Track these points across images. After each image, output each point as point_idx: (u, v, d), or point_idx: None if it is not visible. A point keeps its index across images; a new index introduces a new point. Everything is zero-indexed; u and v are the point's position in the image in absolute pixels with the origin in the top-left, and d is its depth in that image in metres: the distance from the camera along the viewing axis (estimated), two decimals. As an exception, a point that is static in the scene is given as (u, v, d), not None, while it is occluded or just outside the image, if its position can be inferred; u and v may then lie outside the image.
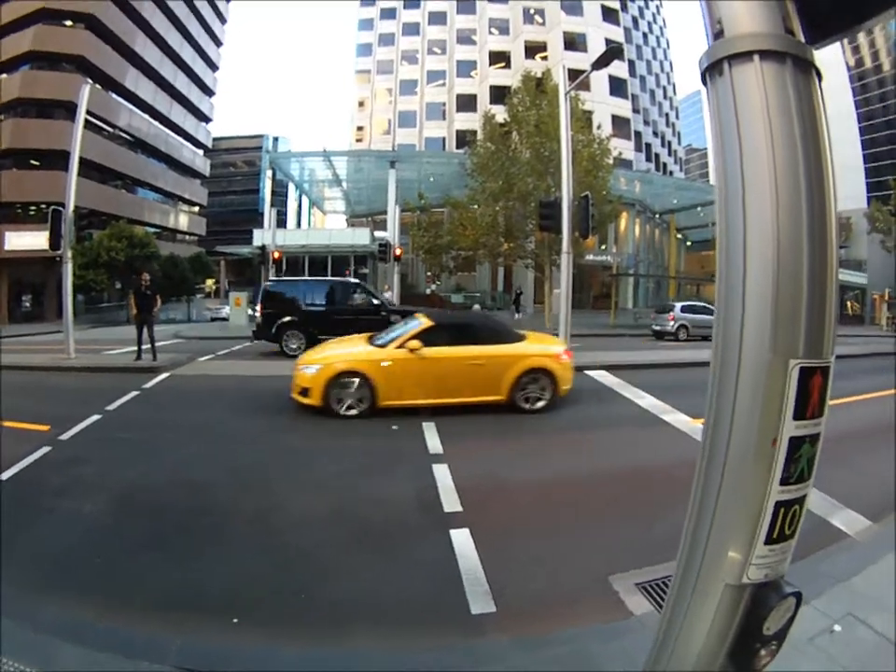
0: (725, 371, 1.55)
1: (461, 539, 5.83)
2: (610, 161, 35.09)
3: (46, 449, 9.01)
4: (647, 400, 12.39)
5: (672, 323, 30.69)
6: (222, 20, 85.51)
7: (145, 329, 17.66)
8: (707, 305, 30.65)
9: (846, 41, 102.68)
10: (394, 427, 10.36)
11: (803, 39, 1.55)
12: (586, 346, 21.23)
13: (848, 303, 66.97)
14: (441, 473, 7.79)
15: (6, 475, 7.79)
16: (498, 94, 53.94)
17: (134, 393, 13.41)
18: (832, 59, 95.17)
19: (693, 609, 1.64)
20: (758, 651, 1.61)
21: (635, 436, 10.19)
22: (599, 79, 60.45)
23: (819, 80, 1.55)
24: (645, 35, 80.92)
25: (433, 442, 9.30)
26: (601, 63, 18.36)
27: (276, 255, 36.55)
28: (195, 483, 7.81)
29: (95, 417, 10.99)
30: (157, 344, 18.06)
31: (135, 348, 17.77)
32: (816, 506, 7.26)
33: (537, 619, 4.66)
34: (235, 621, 4.55)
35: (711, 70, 1.58)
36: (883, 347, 31.92)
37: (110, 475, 8.09)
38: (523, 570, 5.37)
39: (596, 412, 12.12)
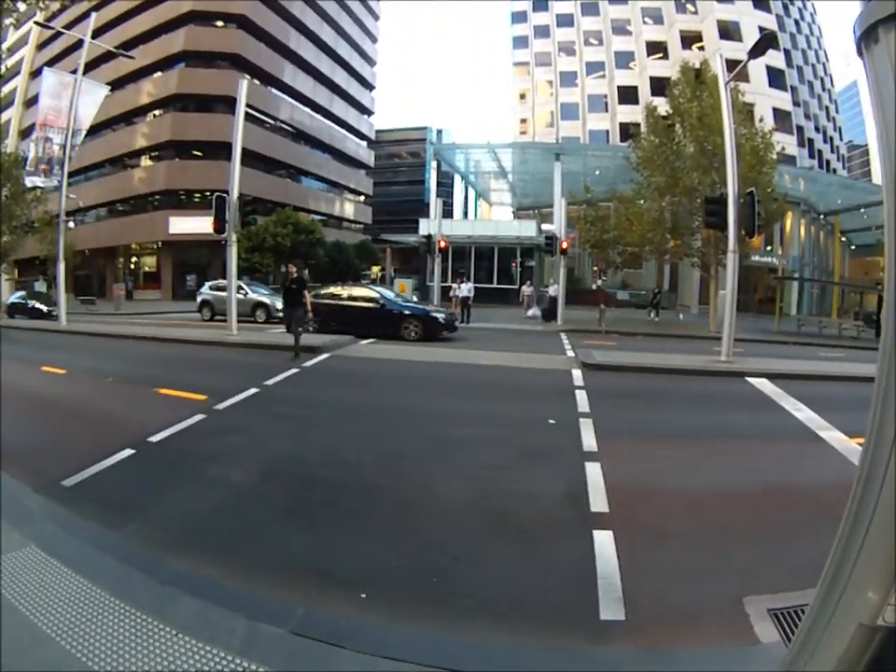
0: (892, 385, 1.40)
1: (603, 540, 5.70)
2: (774, 157, 33.10)
3: (200, 417, 9.68)
4: (804, 413, 11.70)
5: None
6: (375, 16, 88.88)
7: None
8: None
9: None
10: (551, 422, 10.33)
11: None
12: (748, 352, 20.83)
13: None
14: (593, 472, 7.61)
15: (157, 437, 8.49)
16: (658, 85, 52.59)
17: (294, 370, 14.12)
18: None
19: (823, 644, 1.57)
20: None
21: (787, 450, 9.72)
22: (757, 70, 58.34)
23: None
24: (797, 23, 76.50)
25: (588, 440, 9.12)
26: (757, 50, 17.97)
27: (442, 244, 37.12)
28: (342, 459, 8.10)
29: (252, 391, 11.65)
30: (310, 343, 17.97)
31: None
32: None
33: (663, 632, 4.54)
34: (363, 595, 4.67)
35: (866, 38, 1.44)
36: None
37: (258, 445, 8.60)
38: (659, 580, 5.22)
39: (751, 421, 11.66)
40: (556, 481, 7.50)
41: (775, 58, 62.79)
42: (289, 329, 17.67)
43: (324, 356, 16.70)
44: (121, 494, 6.77)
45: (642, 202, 34.70)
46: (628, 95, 71.91)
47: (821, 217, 59.68)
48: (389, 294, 25.46)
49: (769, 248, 53.88)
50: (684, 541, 6.08)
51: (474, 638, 4.31)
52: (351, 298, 23.92)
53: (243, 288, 30.17)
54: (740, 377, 15.60)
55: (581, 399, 11.94)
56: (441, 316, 23.41)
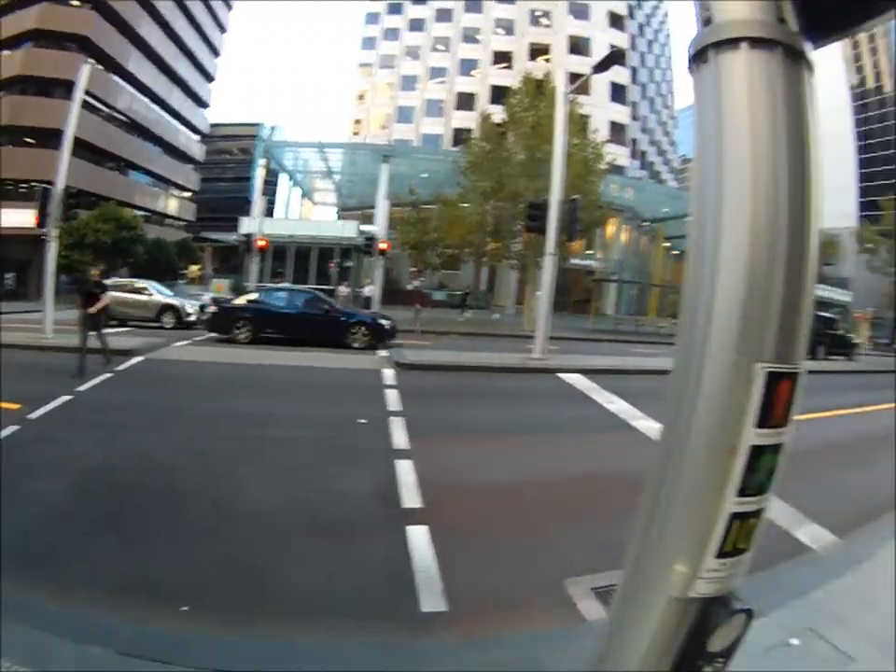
0: (686, 372, 1.48)
1: (418, 536, 5.81)
2: (603, 167, 35.07)
3: (14, 427, 8.96)
4: (616, 405, 12.45)
5: None
6: (228, 6, 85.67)
7: (91, 336, 14.93)
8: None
9: (850, 60, 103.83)
10: (362, 422, 10.37)
11: (797, 30, 1.47)
12: (563, 349, 21.65)
13: None
14: (405, 469, 7.76)
15: None
16: (498, 94, 54.11)
17: (107, 375, 13.50)
18: (833, 79, 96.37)
19: (637, 620, 1.57)
20: (701, 668, 1.54)
21: (601, 440, 10.25)
22: (601, 84, 61.25)
23: (811, 74, 1.48)
24: (650, 43, 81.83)
25: (399, 438, 9.32)
26: (602, 66, 18.92)
27: (262, 244, 36.36)
28: (155, 464, 7.82)
29: (66, 398, 11.02)
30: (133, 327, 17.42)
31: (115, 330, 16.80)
32: (781, 518, 7.38)
33: (488, 620, 4.65)
34: (185, 609, 4.52)
35: (697, 58, 1.52)
36: (861, 366, 34.63)
37: (72, 455, 8.10)
38: (478, 570, 5.37)
39: (567, 414, 12.25)
40: (367, 479, 7.66)
41: (620, 74, 66.71)
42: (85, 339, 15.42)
43: (137, 359, 16.15)
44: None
45: (466, 205, 35.74)
46: (466, 102, 73.83)
47: (646, 223, 63.30)
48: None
49: (589, 252, 56.80)
50: (501, 532, 6.24)
51: (299, 641, 4.31)
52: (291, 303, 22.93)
53: (147, 289, 27.56)
54: (553, 374, 16.41)
55: (393, 397, 12.26)
56: (387, 323, 22.73)
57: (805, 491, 8.49)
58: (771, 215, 1.38)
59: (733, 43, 1.41)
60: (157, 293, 28.19)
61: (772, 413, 1.43)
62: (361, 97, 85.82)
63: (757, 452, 1.43)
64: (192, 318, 25.74)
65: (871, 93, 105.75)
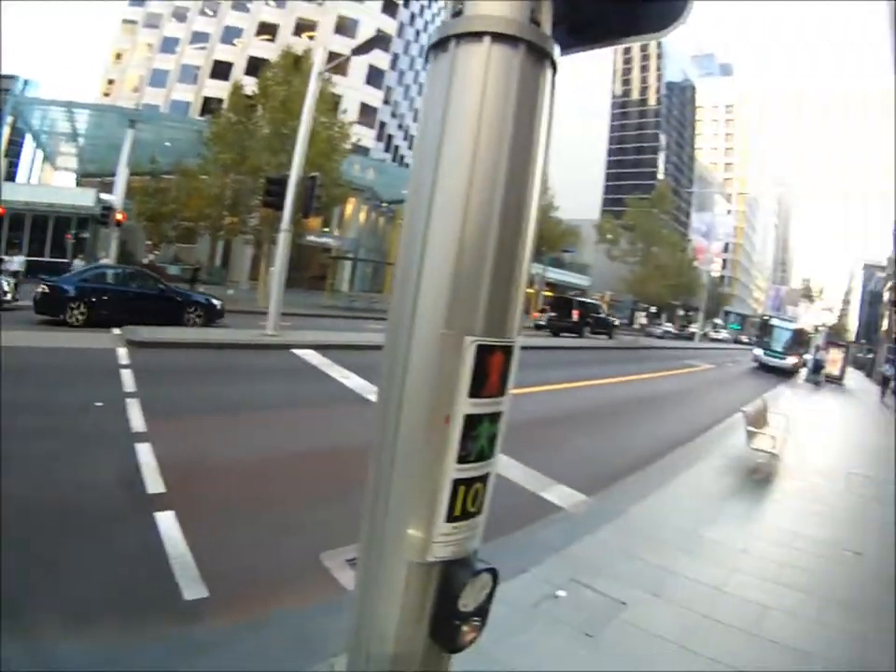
0: (398, 345, 1.52)
1: (167, 522, 5.65)
2: (348, 147, 35.45)
3: None
4: (352, 381, 12.78)
5: None
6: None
7: None
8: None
9: (619, 73, 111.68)
10: (98, 405, 9.77)
11: (548, 33, 1.53)
12: (298, 325, 22.02)
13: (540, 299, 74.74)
14: (145, 453, 7.46)
15: None
16: (256, 66, 52.84)
17: None
18: (600, 88, 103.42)
19: (382, 588, 1.61)
20: (459, 628, 1.58)
21: (339, 414, 10.46)
22: (359, 67, 62.87)
23: (554, 74, 1.53)
24: (418, 33, 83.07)
25: (137, 421, 8.87)
26: (362, 49, 19.95)
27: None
28: None
29: None
30: None
31: None
32: (529, 483, 8.02)
33: (252, 601, 4.65)
34: None
35: (437, 47, 1.53)
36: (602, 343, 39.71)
37: None
38: (233, 552, 5.35)
39: (304, 390, 12.50)
40: (110, 466, 7.27)
41: (380, 58, 68.26)
42: None
43: None
44: None
45: (205, 177, 35.16)
46: (222, 71, 71.14)
47: (385, 204, 64.60)
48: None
49: (326, 229, 57.33)
50: (249, 511, 6.22)
51: (66, 642, 4.00)
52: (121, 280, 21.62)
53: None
54: (287, 349, 16.61)
55: (128, 378, 11.67)
56: (218, 304, 22.41)
57: (562, 455, 9.65)
58: (486, 199, 1.43)
59: (476, 36, 1.44)
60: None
61: (485, 384, 1.49)
62: (119, 56, 79.65)
63: (472, 421, 1.49)
64: (8, 298, 21.94)
65: (633, 104, 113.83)
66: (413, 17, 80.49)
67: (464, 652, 1.64)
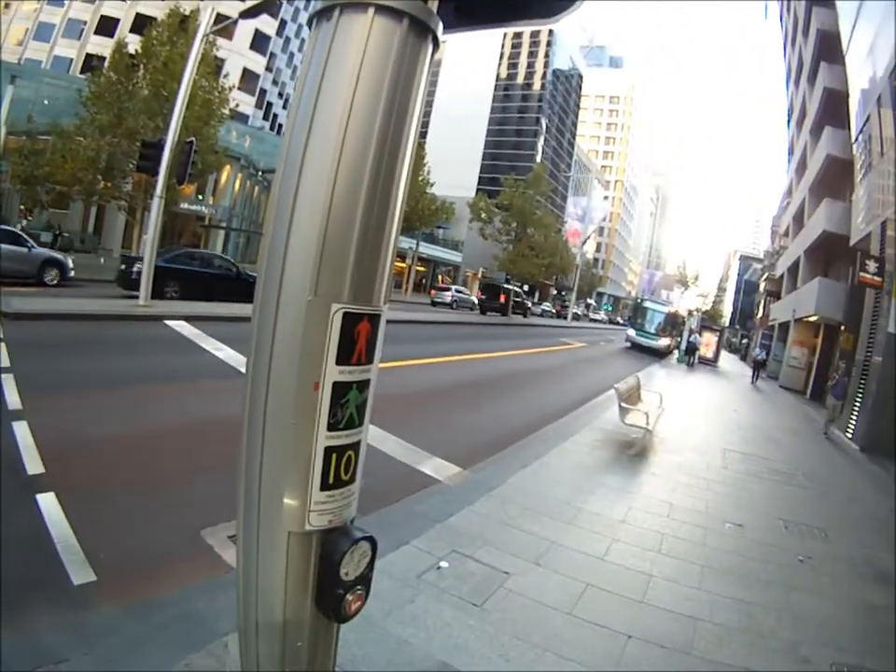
0: (265, 313, 1.54)
1: (48, 503, 5.31)
2: (226, 112, 34.75)
3: None
4: (225, 353, 12.46)
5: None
6: None
7: None
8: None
9: (505, 58, 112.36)
10: None
11: (433, 11, 1.58)
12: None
13: (440, 277, 75.90)
14: (23, 432, 6.89)
15: None
16: (143, 24, 51.20)
17: None
18: (487, 68, 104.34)
19: (264, 559, 1.63)
20: (343, 596, 1.62)
21: (212, 387, 10.22)
22: (245, 31, 60.78)
23: (435, 49, 1.59)
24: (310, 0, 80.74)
25: (12, 397, 8.21)
26: (250, 13, 18.77)
27: None
28: None
29: None
30: None
31: None
32: (404, 456, 8.02)
33: (141, 582, 4.49)
34: None
35: (320, 15, 1.56)
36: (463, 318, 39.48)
37: None
38: (116, 532, 5.10)
39: (178, 362, 12.03)
40: None
41: (268, 24, 66.09)
42: None
43: None
44: None
45: (81, 139, 33.36)
46: (108, 27, 67.02)
47: (261, 173, 63.06)
48: None
49: (200, 197, 55.57)
50: (129, 489, 5.95)
51: None
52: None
53: (26, 241, 21.55)
54: (160, 321, 15.82)
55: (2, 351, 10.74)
56: None
57: (440, 428, 9.69)
58: (356, 169, 1.47)
59: (361, 7, 1.47)
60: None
61: (353, 352, 1.53)
62: (7, 6, 76.87)
63: (341, 388, 1.53)
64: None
65: (517, 87, 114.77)
66: None
67: (354, 624, 1.72)
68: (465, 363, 17.98)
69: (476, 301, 54.84)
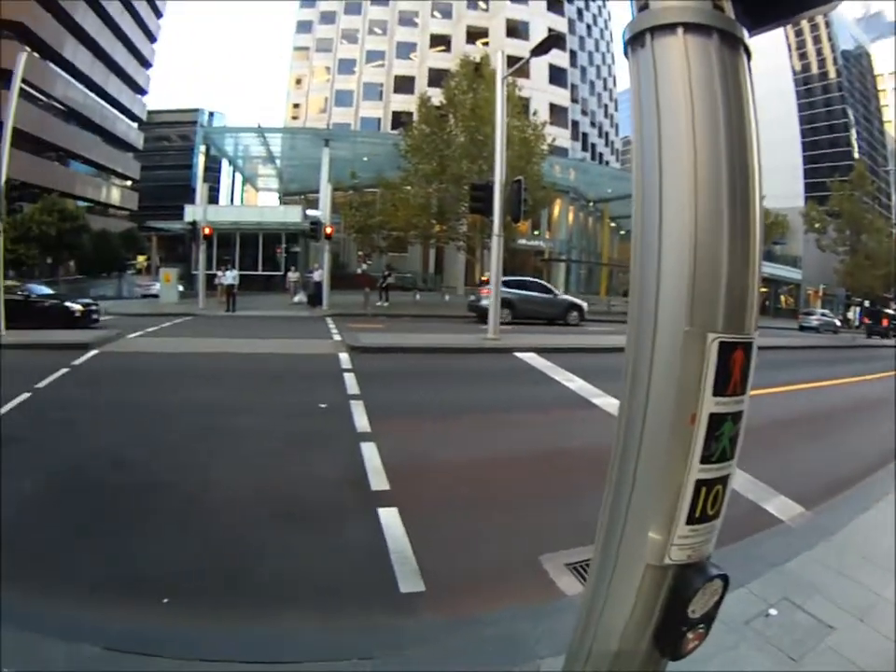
0: (641, 345, 1.51)
1: (389, 518, 5.77)
2: (545, 148, 35.26)
3: None
4: (576, 383, 12.37)
5: None
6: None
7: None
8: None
9: (794, 48, 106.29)
10: (322, 406, 10.31)
11: (733, 17, 1.52)
12: (516, 329, 21.81)
13: (783, 297, 70.46)
14: (369, 452, 7.68)
15: None
16: (436, 77, 54.12)
17: (64, 370, 13.08)
18: (777, 65, 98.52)
19: (615, 589, 1.61)
20: (684, 634, 1.57)
21: (563, 417, 10.19)
22: (539, 68, 61.74)
23: (749, 59, 1.53)
24: (589, 27, 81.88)
25: (361, 421, 9.20)
26: (540, 49, 18.88)
27: (207, 231, 36.06)
28: (122, 460, 7.60)
29: (25, 395, 10.63)
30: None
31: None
32: (749, 491, 7.50)
33: (467, 599, 4.65)
34: (165, 601, 4.47)
35: (633, 42, 1.54)
36: (821, 341, 36.48)
37: (37, 455, 7.81)
38: (454, 550, 5.36)
39: (525, 393, 12.16)
40: (334, 463, 7.56)
41: (559, 57, 66.82)
42: None
43: (92, 353, 15.59)
44: None
45: (409, 188, 35.70)
46: (405, 85, 73.37)
47: (591, 204, 63.73)
48: None
49: (536, 233, 57.10)
50: (471, 510, 6.24)
51: (283, 628, 4.23)
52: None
53: (552, 290, 31.34)
54: (509, 353, 16.27)
55: (351, 381, 12.09)
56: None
57: (772, 464, 8.74)
58: (713, 191, 1.43)
59: (669, 28, 1.45)
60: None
61: (728, 382, 1.48)
62: (299, 81, 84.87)
63: (717, 420, 1.48)
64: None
65: (815, 79, 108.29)
66: (580, 12, 78.99)
67: (679, 662, 1.64)
68: (814, 391, 16.45)
69: (838, 324, 56.24)
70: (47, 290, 24.70)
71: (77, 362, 14.07)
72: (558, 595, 4.58)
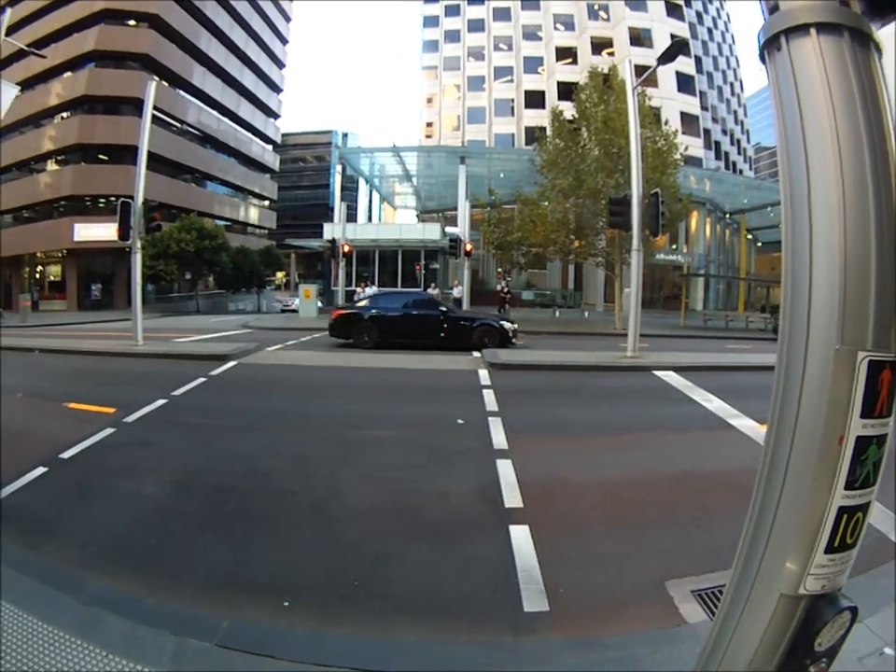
0: (791, 364, 1.49)
1: (520, 535, 5.74)
2: (679, 158, 34.15)
3: (109, 430, 9.20)
4: (714, 403, 11.93)
5: None
6: (286, 17, 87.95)
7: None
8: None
9: None
10: (460, 422, 10.31)
11: (860, 13, 1.51)
12: (655, 347, 21.17)
13: None
14: (505, 469, 7.65)
15: (68, 454, 8.03)
16: (566, 90, 52.80)
17: (201, 380, 13.60)
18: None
19: (746, 617, 1.60)
20: (807, 667, 1.55)
21: (699, 439, 9.92)
22: (666, 75, 59.94)
23: (880, 55, 1.50)
24: (710, 31, 78.24)
25: (498, 438, 9.14)
26: (667, 57, 18.44)
27: (346, 248, 37.09)
28: (252, 467, 7.90)
29: (161, 401, 11.18)
30: (223, 334, 17.85)
31: (204, 336, 17.04)
32: (876, 520, 6.74)
33: (590, 620, 4.60)
34: (286, 603, 4.61)
35: (769, 45, 1.55)
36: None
37: (168, 457, 8.30)
38: (579, 570, 5.29)
39: (661, 412, 11.88)
40: (469, 478, 7.53)
41: (685, 64, 64.78)
42: None
43: (230, 363, 16.28)
44: (37, 513, 6.36)
45: (546, 203, 35.42)
46: (535, 99, 72.79)
47: (727, 215, 61.62)
48: None
49: (674, 247, 55.01)
50: (601, 531, 6.16)
51: (401, 639, 4.33)
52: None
53: None
54: (647, 371, 15.98)
55: (489, 398, 11.95)
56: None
57: None
58: (860, 200, 1.40)
59: (803, 29, 1.45)
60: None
61: (876, 403, 1.44)
62: (430, 100, 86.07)
63: (863, 443, 1.45)
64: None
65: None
66: (699, 16, 75.99)
67: None
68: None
69: None
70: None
71: (214, 372, 14.67)
72: (679, 622, 4.46)
